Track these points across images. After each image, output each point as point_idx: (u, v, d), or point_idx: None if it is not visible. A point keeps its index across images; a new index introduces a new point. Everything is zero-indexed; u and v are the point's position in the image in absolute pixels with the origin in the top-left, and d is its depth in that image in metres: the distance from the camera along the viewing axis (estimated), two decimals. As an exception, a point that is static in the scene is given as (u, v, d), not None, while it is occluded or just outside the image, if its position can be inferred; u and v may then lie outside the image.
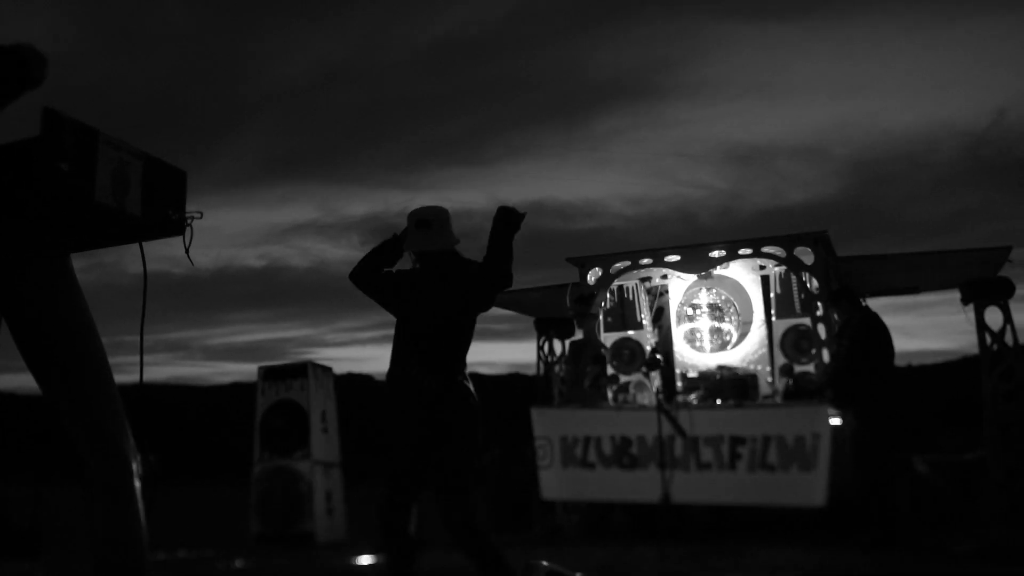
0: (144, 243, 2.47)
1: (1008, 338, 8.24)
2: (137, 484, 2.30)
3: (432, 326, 3.87)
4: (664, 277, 8.96)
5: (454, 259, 4.01)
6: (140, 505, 2.30)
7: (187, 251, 2.49)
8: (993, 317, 8.32)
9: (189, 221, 2.45)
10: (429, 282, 3.94)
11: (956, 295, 8.61)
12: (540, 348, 10.57)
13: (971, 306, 8.44)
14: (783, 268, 8.16)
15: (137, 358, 2.50)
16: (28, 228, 2.20)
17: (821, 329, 7.67)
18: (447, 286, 3.92)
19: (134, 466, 2.30)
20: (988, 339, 8.30)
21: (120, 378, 2.39)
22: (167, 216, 2.38)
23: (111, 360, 2.37)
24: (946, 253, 8.06)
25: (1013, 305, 8.27)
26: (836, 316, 7.13)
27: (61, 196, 2.09)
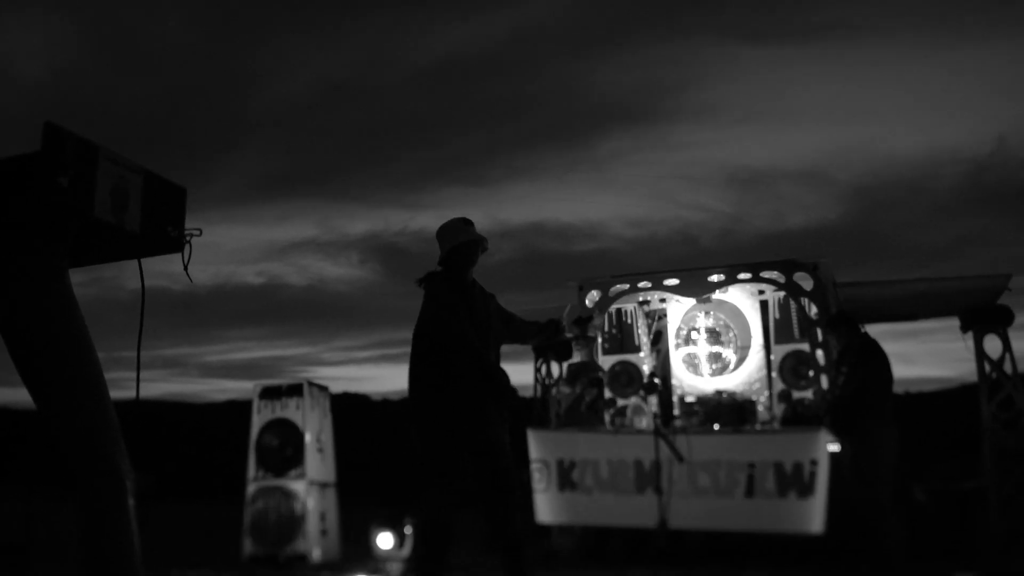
0: (143, 260, 2.46)
1: (1007, 366, 8.21)
2: (131, 501, 2.28)
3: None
4: (663, 301, 8.95)
5: (473, 283, 4.45)
6: (133, 522, 2.28)
7: (186, 268, 2.48)
8: (992, 345, 8.29)
9: (188, 238, 2.44)
10: (471, 296, 4.36)
11: (955, 322, 8.60)
12: (537, 370, 10.53)
13: (970, 334, 8.41)
14: (782, 293, 8.15)
15: (134, 374, 2.49)
16: (26, 242, 2.19)
17: (820, 355, 7.65)
18: (484, 302, 4.41)
19: (128, 483, 2.29)
20: (987, 367, 8.28)
21: (117, 394, 2.37)
22: (166, 233, 2.37)
23: (109, 376, 2.36)
24: (945, 280, 8.06)
25: (1012, 333, 8.25)
26: (834, 342, 7.12)
27: (60, 211, 2.08)
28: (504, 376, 4.21)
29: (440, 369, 4.23)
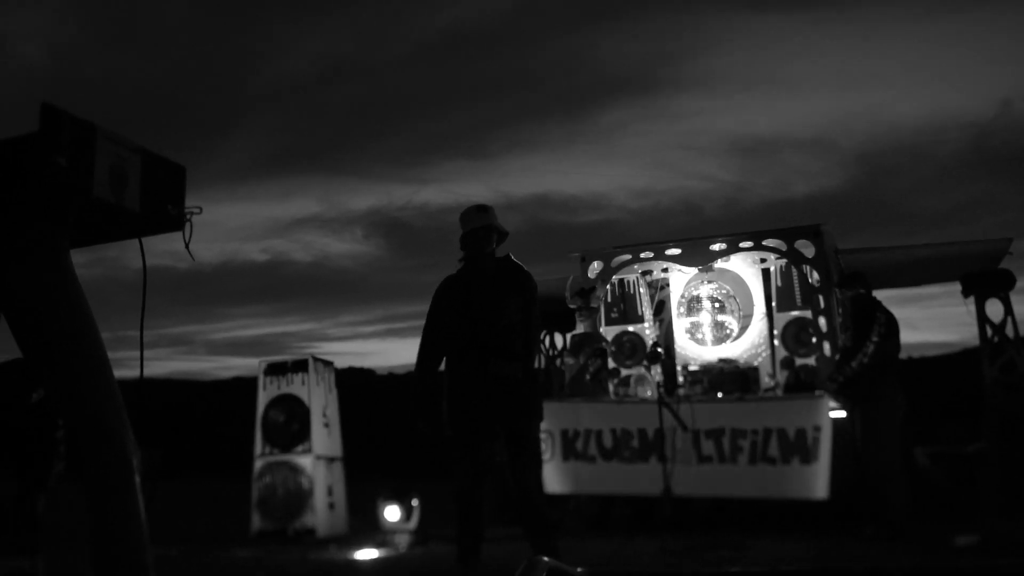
0: (144, 239, 2.46)
1: (1009, 330, 8.23)
2: (137, 480, 2.30)
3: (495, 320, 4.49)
4: (665, 270, 8.97)
5: (505, 259, 4.68)
6: (140, 501, 2.29)
7: (187, 246, 2.48)
8: (994, 309, 8.32)
9: (188, 216, 2.45)
10: (488, 278, 4.58)
11: (958, 287, 8.60)
12: (541, 341, 10.58)
13: (972, 298, 8.43)
14: (784, 261, 8.15)
15: (138, 353, 2.50)
16: (26, 224, 2.19)
17: (822, 322, 7.67)
18: (502, 282, 4.59)
19: (134, 462, 2.30)
20: (989, 331, 8.30)
21: (123, 373, 2.38)
22: (166, 211, 2.37)
23: (114, 355, 2.37)
24: (947, 245, 8.06)
25: (1014, 297, 8.27)
26: (847, 301, 6.99)
27: (59, 191, 2.08)
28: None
29: (456, 357, 4.56)
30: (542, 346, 10.48)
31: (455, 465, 4.44)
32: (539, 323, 4.70)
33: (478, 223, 4.57)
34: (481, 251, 4.58)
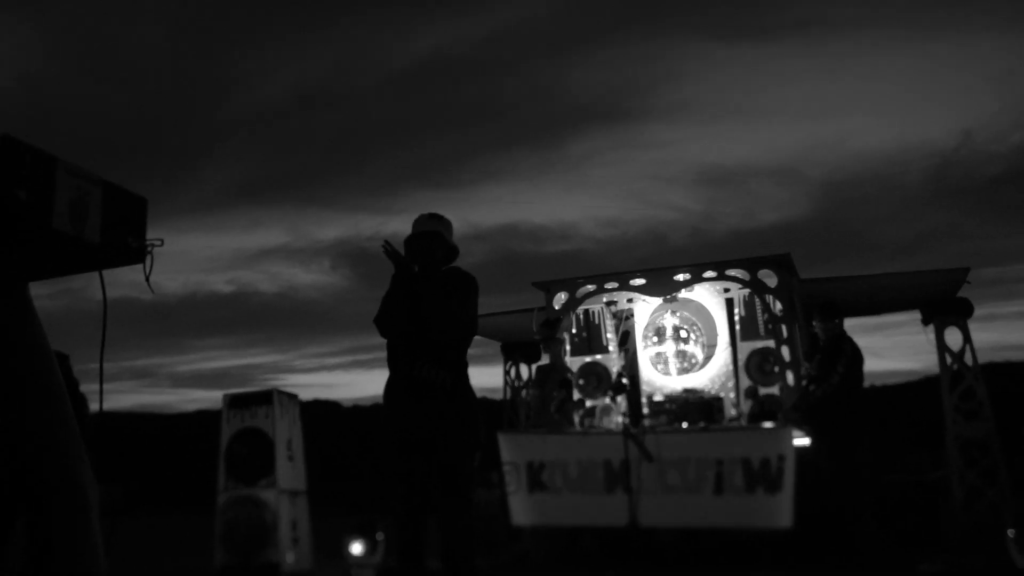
0: (105, 271, 2.45)
1: (968, 358, 8.35)
2: (95, 514, 2.27)
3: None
4: (630, 301, 9.01)
5: (452, 270, 4.33)
6: (98, 536, 2.27)
7: (147, 278, 2.47)
8: (953, 337, 8.44)
9: (149, 248, 2.44)
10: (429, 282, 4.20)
11: (918, 316, 8.72)
12: (507, 373, 10.57)
13: (931, 326, 8.55)
14: (747, 291, 8.23)
15: (100, 386, 2.48)
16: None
17: (785, 351, 7.73)
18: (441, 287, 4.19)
19: (91, 496, 2.27)
20: (948, 359, 8.41)
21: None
22: (127, 244, 2.36)
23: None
24: (907, 274, 8.18)
25: (972, 326, 8.40)
26: (819, 331, 7.10)
27: (19, 224, 2.07)
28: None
29: (390, 366, 4.24)
30: (507, 377, 10.47)
31: (394, 491, 4.10)
32: (470, 316, 4.22)
33: (427, 228, 4.31)
34: (426, 258, 4.26)
